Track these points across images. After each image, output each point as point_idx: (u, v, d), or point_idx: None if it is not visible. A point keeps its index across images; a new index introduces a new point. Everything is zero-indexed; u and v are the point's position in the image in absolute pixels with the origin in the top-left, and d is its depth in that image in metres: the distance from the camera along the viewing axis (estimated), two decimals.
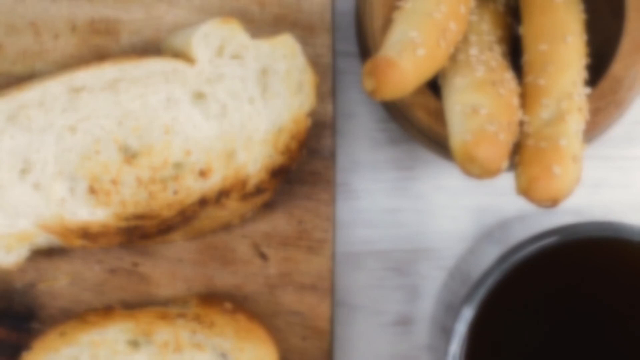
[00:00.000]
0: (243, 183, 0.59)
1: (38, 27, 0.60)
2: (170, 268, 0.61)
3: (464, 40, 0.56)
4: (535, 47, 0.56)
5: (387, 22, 0.56)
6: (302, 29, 0.61)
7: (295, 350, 0.62)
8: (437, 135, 0.56)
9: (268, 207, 0.61)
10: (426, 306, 0.65)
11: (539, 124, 0.53)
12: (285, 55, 0.58)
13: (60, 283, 0.61)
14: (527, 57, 0.56)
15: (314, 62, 0.61)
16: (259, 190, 0.59)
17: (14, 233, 0.57)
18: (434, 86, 0.56)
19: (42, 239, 0.57)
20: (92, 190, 0.57)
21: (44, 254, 0.59)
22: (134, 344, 0.59)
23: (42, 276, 0.60)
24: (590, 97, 0.55)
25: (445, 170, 0.65)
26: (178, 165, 0.58)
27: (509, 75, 0.55)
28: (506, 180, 0.54)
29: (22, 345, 0.59)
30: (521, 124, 0.54)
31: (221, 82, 0.58)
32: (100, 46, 0.61)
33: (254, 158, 0.59)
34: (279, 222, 0.62)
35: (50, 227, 0.57)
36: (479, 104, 0.52)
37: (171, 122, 0.58)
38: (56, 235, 0.57)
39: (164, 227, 0.59)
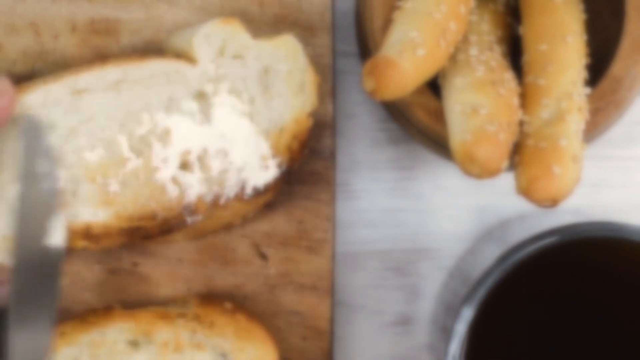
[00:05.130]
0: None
1: (38, 27, 0.60)
2: (170, 268, 0.61)
3: (464, 40, 0.56)
4: (535, 47, 0.56)
5: (387, 22, 0.56)
6: (302, 29, 0.61)
7: (295, 350, 0.62)
8: (437, 135, 0.56)
9: (268, 207, 0.61)
10: (426, 306, 0.65)
11: (539, 124, 0.53)
12: (287, 55, 0.58)
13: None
14: (527, 57, 0.56)
15: (314, 62, 0.61)
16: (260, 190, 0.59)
17: None
18: (434, 86, 0.56)
19: None
20: (94, 192, 0.57)
21: None
22: (134, 344, 0.59)
23: None
24: (590, 97, 0.55)
25: (445, 170, 0.65)
26: (180, 166, 0.58)
27: (509, 75, 0.55)
28: (506, 180, 0.54)
29: None
30: (521, 124, 0.54)
31: (223, 82, 0.58)
32: (101, 46, 0.61)
33: None
34: (279, 222, 0.62)
35: None
36: (479, 104, 0.52)
37: (173, 123, 0.58)
38: None
39: (166, 228, 0.59)
